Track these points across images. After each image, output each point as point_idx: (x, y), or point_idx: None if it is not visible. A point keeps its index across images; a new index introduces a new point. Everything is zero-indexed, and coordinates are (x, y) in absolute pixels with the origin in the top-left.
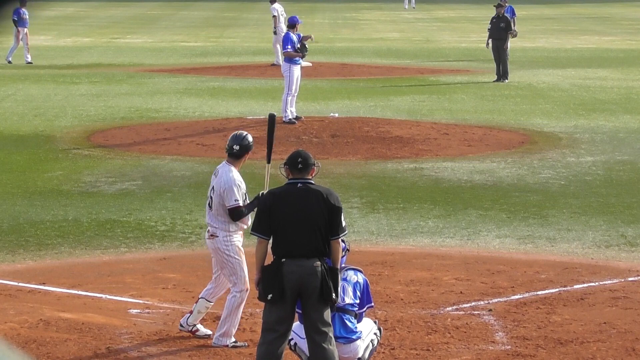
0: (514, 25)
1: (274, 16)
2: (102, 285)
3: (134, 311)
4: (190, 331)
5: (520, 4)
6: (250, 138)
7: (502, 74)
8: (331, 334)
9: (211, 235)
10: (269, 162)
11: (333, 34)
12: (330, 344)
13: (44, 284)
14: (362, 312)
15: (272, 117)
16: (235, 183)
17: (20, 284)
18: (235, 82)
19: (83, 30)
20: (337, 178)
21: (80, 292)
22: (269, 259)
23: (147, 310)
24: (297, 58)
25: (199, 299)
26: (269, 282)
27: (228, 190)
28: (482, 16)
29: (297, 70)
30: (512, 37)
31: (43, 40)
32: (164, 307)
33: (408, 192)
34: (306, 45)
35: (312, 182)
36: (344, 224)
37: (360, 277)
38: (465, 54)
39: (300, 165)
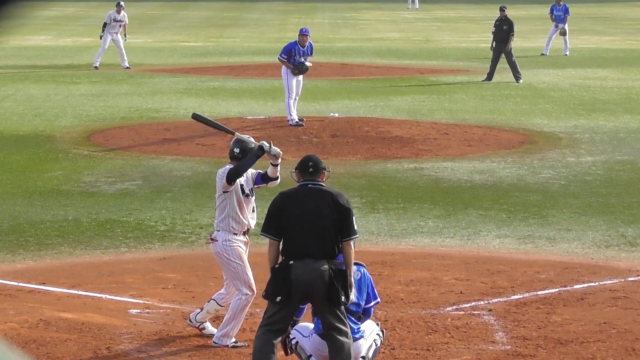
0: (566, 24)
1: (125, 24)
2: (102, 285)
3: (134, 311)
4: (197, 327)
5: (520, 4)
6: (252, 141)
7: (515, 76)
8: (348, 329)
9: (211, 239)
10: (233, 134)
11: (333, 34)
12: (348, 338)
13: (44, 284)
14: (371, 308)
15: (194, 116)
16: (227, 168)
17: (20, 284)
18: (235, 82)
19: (83, 30)
20: (337, 178)
21: (80, 292)
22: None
23: (147, 310)
24: (297, 62)
25: (210, 299)
26: (277, 283)
27: (220, 175)
28: (482, 16)
29: (293, 75)
30: (562, 35)
31: (43, 40)
32: (164, 307)
33: (408, 192)
34: (306, 65)
35: (323, 184)
36: (355, 226)
37: (363, 272)
38: (465, 54)
39: (311, 169)
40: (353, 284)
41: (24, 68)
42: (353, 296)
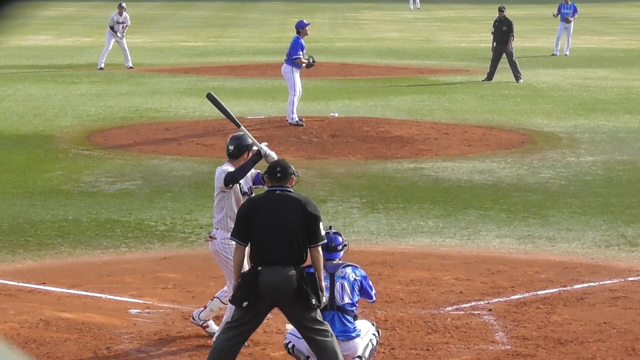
0: (572, 23)
1: (127, 25)
2: (102, 285)
3: (134, 311)
4: (201, 325)
5: (520, 3)
6: (247, 139)
7: (515, 75)
8: (326, 327)
9: (210, 237)
10: (238, 126)
11: (333, 34)
12: (329, 336)
13: (44, 284)
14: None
15: (209, 96)
16: (223, 169)
17: (20, 284)
18: (235, 82)
19: (83, 30)
20: (337, 178)
21: (80, 292)
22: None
23: (147, 310)
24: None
25: (214, 297)
26: (245, 289)
27: (218, 175)
28: (482, 16)
29: (298, 73)
30: (567, 23)
31: (43, 40)
32: (164, 307)
33: (408, 192)
34: (312, 61)
35: (291, 190)
36: (323, 232)
37: (358, 274)
38: (465, 54)
39: (279, 175)
40: (324, 289)
41: (24, 68)
42: (347, 297)
